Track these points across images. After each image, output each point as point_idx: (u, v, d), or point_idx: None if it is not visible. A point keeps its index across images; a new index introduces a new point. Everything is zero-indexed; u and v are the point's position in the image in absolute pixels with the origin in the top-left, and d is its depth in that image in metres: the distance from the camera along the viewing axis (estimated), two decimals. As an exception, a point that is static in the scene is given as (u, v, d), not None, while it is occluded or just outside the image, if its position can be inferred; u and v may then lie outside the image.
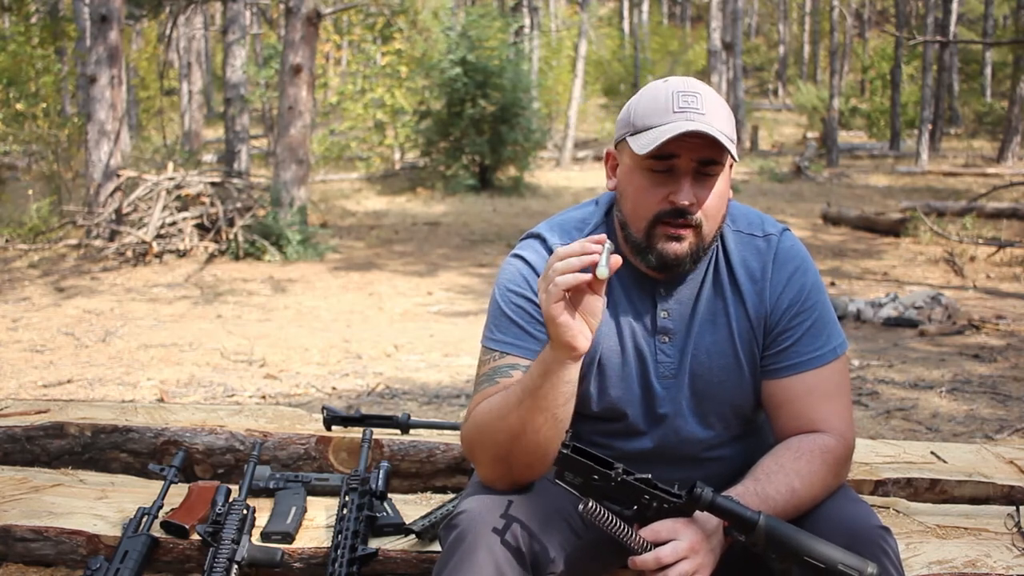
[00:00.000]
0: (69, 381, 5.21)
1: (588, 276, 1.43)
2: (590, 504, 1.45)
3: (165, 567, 2.01)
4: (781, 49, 35.37)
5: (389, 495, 2.16)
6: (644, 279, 1.71)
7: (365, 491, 2.03)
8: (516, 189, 16.23)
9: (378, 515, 2.02)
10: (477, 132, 15.72)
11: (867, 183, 17.51)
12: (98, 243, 10.43)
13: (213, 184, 11.23)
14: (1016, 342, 6.30)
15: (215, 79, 28.93)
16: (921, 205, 12.84)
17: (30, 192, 11.94)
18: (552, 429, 1.53)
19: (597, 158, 21.82)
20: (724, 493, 1.51)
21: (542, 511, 1.58)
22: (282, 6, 13.27)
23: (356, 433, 2.46)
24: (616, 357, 1.71)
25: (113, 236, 10.55)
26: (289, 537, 2.00)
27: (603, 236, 1.45)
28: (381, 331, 7.09)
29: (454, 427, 2.54)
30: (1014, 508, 2.07)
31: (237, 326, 7.23)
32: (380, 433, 2.45)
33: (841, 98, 22.52)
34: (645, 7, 33.12)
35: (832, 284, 9.15)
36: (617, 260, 1.44)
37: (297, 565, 1.97)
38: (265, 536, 2.00)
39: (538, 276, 1.70)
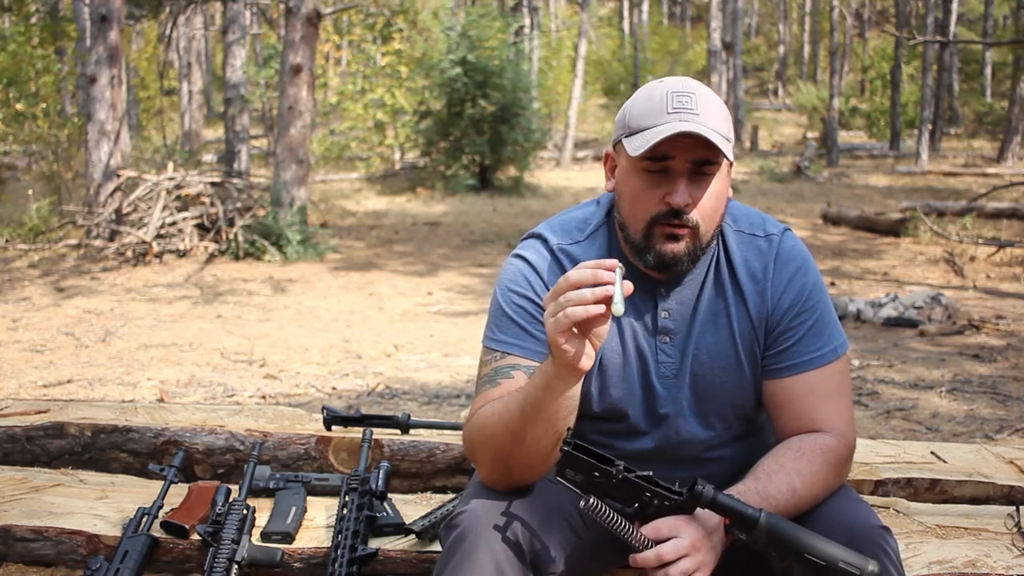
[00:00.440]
0: (69, 381, 5.21)
1: (602, 309, 1.37)
2: (591, 501, 1.45)
3: (165, 567, 2.01)
4: (781, 49, 35.38)
5: (389, 495, 2.16)
6: (645, 279, 1.71)
7: (365, 491, 2.03)
8: (516, 189, 16.23)
9: (378, 515, 2.02)
10: (477, 132, 15.72)
11: (867, 183, 17.51)
12: (98, 243, 10.43)
13: (213, 184, 11.23)
14: (1016, 342, 6.30)
15: (215, 79, 28.93)
16: (921, 205, 12.84)
17: (30, 192, 11.94)
18: (552, 439, 1.53)
19: (597, 158, 21.81)
20: (725, 492, 1.51)
21: (542, 511, 1.58)
22: (282, 6, 13.27)
23: (356, 433, 2.46)
24: (617, 358, 1.71)
25: (113, 236, 10.55)
26: (289, 537, 2.00)
27: (615, 262, 1.40)
28: (381, 331, 7.09)
29: (454, 427, 2.54)
30: (1014, 508, 2.07)
31: (237, 326, 7.23)
32: (380, 433, 2.45)
33: (841, 98, 22.52)
34: (645, 7, 33.12)
35: (832, 284, 9.15)
36: (629, 287, 1.40)
37: (297, 565, 1.97)
38: (265, 536, 2.00)
39: (539, 276, 1.71)
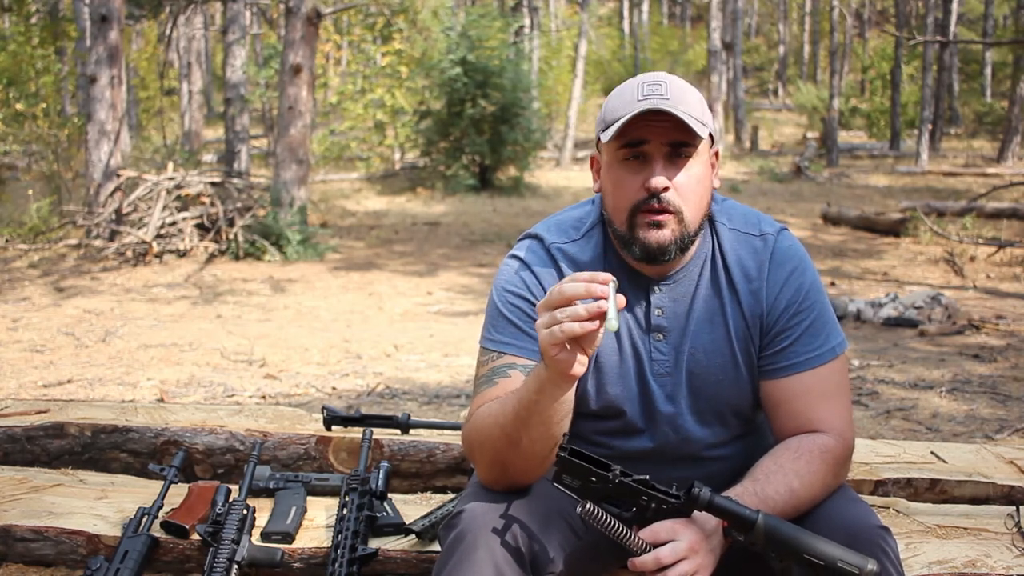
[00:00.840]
0: (69, 381, 5.21)
1: (596, 326, 1.38)
2: (588, 506, 1.45)
3: (165, 567, 2.01)
4: (781, 49, 35.37)
5: (389, 495, 2.16)
6: (639, 276, 1.71)
7: (365, 491, 2.03)
8: (516, 189, 16.23)
9: (378, 515, 2.02)
10: (477, 132, 15.72)
11: (867, 183, 17.51)
12: (98, 243, 10.44)
13: (213, 184, 11.23)
14: (1016, 342, 6.30)
15: (215, 79, 28.93)
16: (921, 205, 12.84)
17: (30, 192, 11.94)
18: (547, 443, 1.53)
19: (597, 158, 21.75)
20: (723, 494, 1.51)
21: (542, 511, 1.58)
22: (282, 6, 13.27)
23: (356, 433, 2.46)
24: (613, 355, 1.71)
25: (113, 236, 10.55)
26: (289, 537, 2.00)
27: (608, 276, 1.40)
28: (381, 331, 7.09)
29: (454, 427, 2.54)
30: (1014, 508, 2.07)
31: (237, 326, 7.23)
32: (380, 433, 2.45)
33: (841, 98, 22.51)
34: (645, 7, 33.12)
35: (832, 284, 9.15)
36: (622, 301, 1.40)
37: (297, 565, 1.97)
38: (265, 536, 2.00)
39: (535, 276, 1.71)
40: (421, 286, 9.42)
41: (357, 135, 18.34)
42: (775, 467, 1.60)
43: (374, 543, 1.97)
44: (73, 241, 10.65)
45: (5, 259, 10.35)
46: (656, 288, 1.71)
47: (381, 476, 2.16)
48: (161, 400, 4.74)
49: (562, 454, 1.46)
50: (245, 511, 1.99)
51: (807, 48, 35.49)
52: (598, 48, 26.37)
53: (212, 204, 10.89)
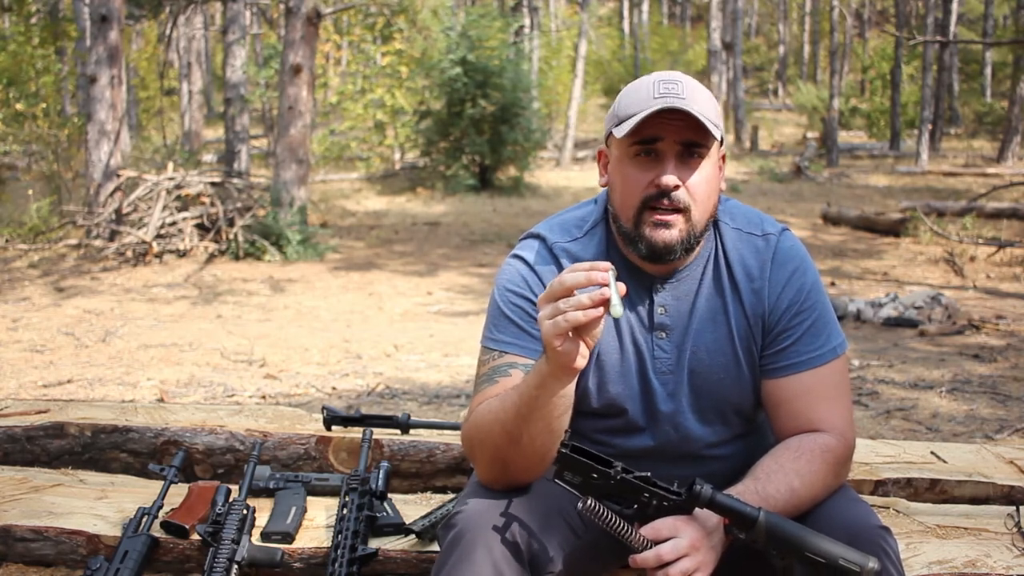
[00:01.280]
0: (69, 381, 5.21)
1: (600, 313, 1.39)
2: (589, 502, 1.45)
3: (165, 567, 2.01)
4: (781, 49, 35.37)
5: (389, 495, 2.16)
6: (641, 274, 1.71)
7: (365, 491, 2.03)
8: (516, 189, 16.22)
9: (378, 515, 2.02)
10: (477, 132, 15.72)
11: (867, 183, 17.51)
12: (98, 243, 10.43)
13: (213, 184, 11.23)
14: (1016, 342, 6.30)
15: (215, 79, 28.92)
16: (921, 205, 12.83)
17: (30, 192, 11.94)
18: (548, 438, 1.53)
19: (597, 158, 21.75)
20: (724, 492, 1.51)
21: (541, 511, 1.58)
22: (282, 6, 13.27)
23: (356, 433, 2.46)
24: (615, 353, 1.71)
25: (113, 236, 10.55)
26: (289, 537, 2.00)
27: (607, 264, 1.41)
28: (381, 331, 7.09)
29: (454, 427, 2.54)
30: (1014, 508, 2.07)
31: (237, 326, 7.23)
32: (380, 433, 2.45)
33: (841, 98, 22.51)
34: (645, 7, 33.12)
35: (832, 284, 9.15)
36: (623, 288, 1.41)
37: (297, 565, 1.97)
38: (265, 536, 2.00)
39: (537, 276, 1.71)
40: (421, 286, 9.42)
41: (357, 135, 18.34)
42: (776, 466, 1.60)
43: (374, 543, 1.97)
44: (73, 241, 10.65)
45: (5, 259, 10.35)
46: (659, 286, 1.72)
47: (381, 476, 2.16)
48: (161, 400, 4.74)
49: (563, 451, 1.46)
50: (245, 511, 1.99)
51: (807, 48, 35.48)
52: (598, 48, 26.36)
53: (212, 204, 10.89)
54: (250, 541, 1.93)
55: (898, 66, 21.87)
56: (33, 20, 14.35)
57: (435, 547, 1.95)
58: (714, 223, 1.75)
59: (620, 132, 1.62)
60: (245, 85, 15.02)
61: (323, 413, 2.52)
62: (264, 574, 1.95)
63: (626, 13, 35.06)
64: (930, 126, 19.61)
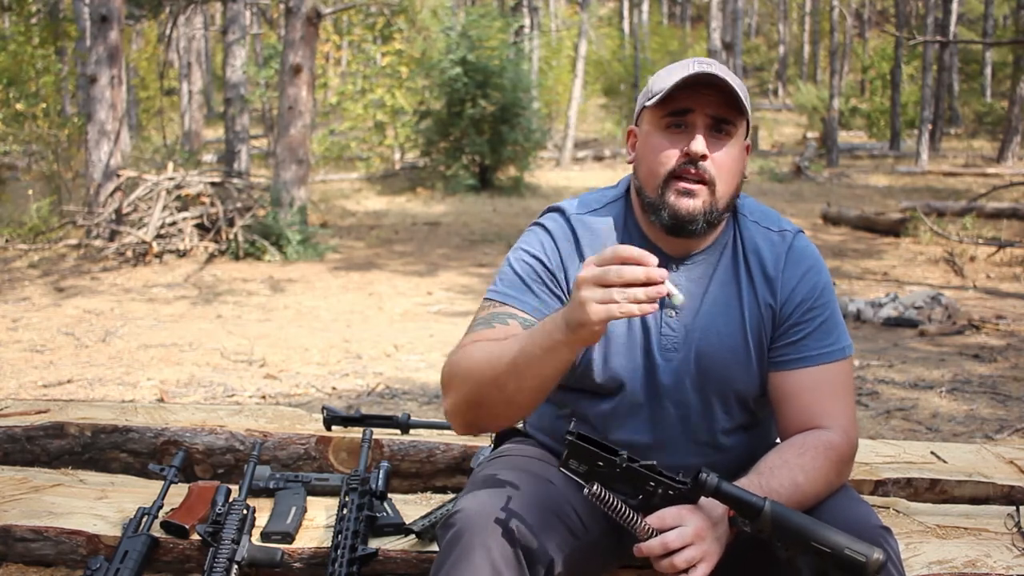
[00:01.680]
0: (69, 381, 5.21)
1: (654, 308, 1.41)
2: (596, 488, 1.44)
3: (165, 567, 2.01)
4: (781, 49, 35.38)
5: (389, 495, 2.16)
6: (657, 253, 1.72)
7: (365, 491, 2.03)
8: (516, 189, 16.22)
9: (378, 515, 2.02)
10: (477, 132, 15.72)
11: (867, 183, 17.51)
12: (98, 243, 10.43)
13: (213, 184, 11.23)
14: (1016, 342, 6.30)
15: (215, 79, 28.93)
16: (921, 205, 12.84)
17: (30, 192, 11.94)
18: (533, 395, 1.56)
19: (597, 158, 21.81)
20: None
21: (540, 510, 1.58)
22: (282, 6, 13.27)
23: (356, 433, 2.46)
24: (622, 326, 1.73)
25: (113, 236, 10.55)
26: (289, 537, 2.00)
27: (653, 258, 1.40)
28: (381, 331, 7.09)
29: (454, 427, 2.54)
30: (1014, 508, 2.07)
31: (237, 326, 7.23)
32: (380, 433, 2.45)
33: (841, 98, 22.51)
34: (645, 7, 33.11)
35: (832, 284, 9.14)
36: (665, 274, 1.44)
37: (297, 565, 1.97)
38: (265, 536, 2.00)
39: (554, 241, 1.76)
40: (421, 286, 9.42)
41: (357, 135, 18.34)
42: (780, 462, 1.61)
43: (374, 543, 1.97)
44: (73, 241, 10.65)
45: (5, 259, 10.35)
46: (673, 265, 1.74)
47: (381, 476, 2.16)
48: (161, 400, 4.74)
49: (570, 438, 1.46)
50: (245, 511, 1.99)
51: (807, 48, 35.49)
52: (598, 48, 26.37)
53: (212, 204, 10.89)
54: (250, 541, 1.93)
55: (898, 66, 21.87)
56: (33, 20, 14.34)
57: (435, 547, 1.95)
58: (733, 214, 1.78)
59: (653, 102, 1.65)
60: (245, 85, 15.02)
61: (323, 413, 2.52)
62: (264, 574, 1.95)
63: (626, 13, 35.05)
64: (930, 126, 19.61)
